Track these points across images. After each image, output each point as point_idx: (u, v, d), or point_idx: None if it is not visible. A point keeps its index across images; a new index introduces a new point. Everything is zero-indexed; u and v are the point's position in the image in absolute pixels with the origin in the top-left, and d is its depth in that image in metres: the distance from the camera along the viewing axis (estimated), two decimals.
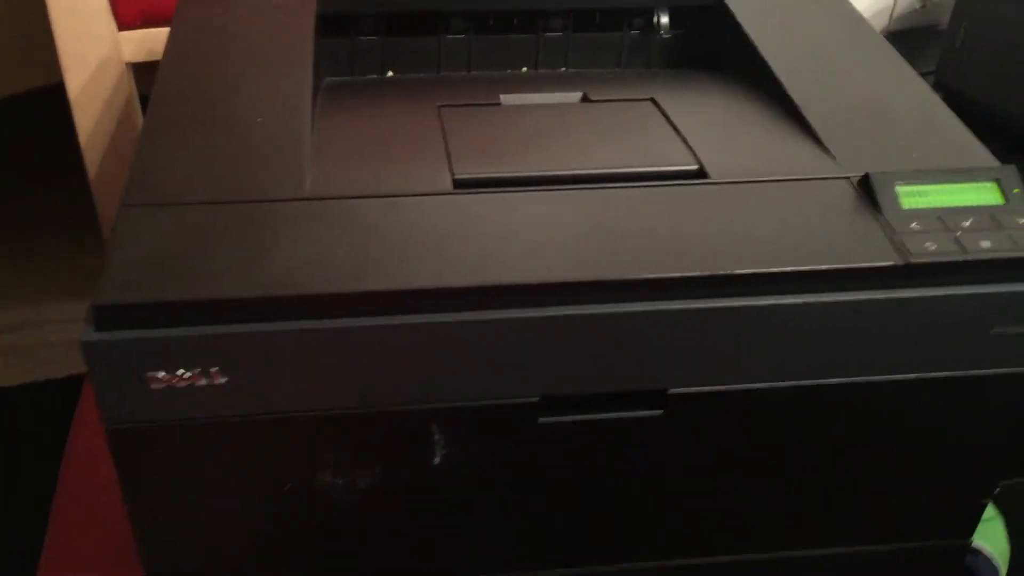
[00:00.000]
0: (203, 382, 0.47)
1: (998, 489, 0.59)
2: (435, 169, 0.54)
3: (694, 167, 0.54)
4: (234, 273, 0.46)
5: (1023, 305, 0.51)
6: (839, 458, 0.55)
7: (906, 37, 1.13)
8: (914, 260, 0.49)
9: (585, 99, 0.64)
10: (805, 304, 0.49)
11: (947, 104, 0.60)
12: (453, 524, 0.55)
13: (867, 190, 0.52)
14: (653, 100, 0.62)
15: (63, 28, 0.81)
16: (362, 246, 0.48)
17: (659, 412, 0.51)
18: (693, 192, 0.53)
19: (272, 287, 0.46)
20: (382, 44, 0.69)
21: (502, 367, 0.49)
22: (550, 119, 0.61)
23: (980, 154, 0.55)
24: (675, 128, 0.58)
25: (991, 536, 0.72)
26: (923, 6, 1.14)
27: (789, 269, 0.48)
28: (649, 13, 0.71)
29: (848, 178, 0.53)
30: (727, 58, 0.67)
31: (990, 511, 0.73)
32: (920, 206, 0.51)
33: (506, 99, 0.63)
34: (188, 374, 0.46)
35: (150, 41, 0.84)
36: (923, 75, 0.63)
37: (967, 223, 0.51)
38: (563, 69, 0.72)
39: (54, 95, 0.91)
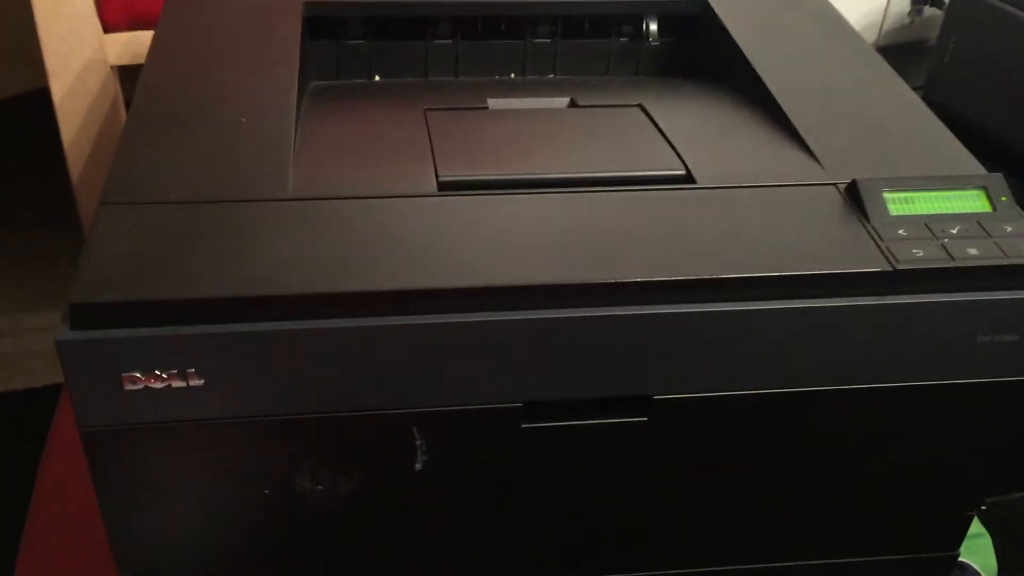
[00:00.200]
0: (180, 383, 0.46)
1: (985, 506, 0.59)
2: (420, 171, 0.53)
3: (681, 172, 0.54)
4: (213, 273, 0.46)
5: (1010, 314, 0.50)
6: (825, 466, 0.55)
7: (895, 52, 1.14)
8: (901, 267, 0.49)
9: (573, 104, 0.63)
10: (791, 309, 0.48)
11: None
12: (435, 531, 0.54)
13: (854, 196, 0.52)
14: (641, 106, 0.61)
15: (48, 29, 0.81)
16: (343, 247, 0.47)
17: (644, 419, 0.51)
18: (679, 197, 0.52)
19: (251, 287, 0.45)
20: (369, 48, 0.69)
21: (484, 371, 0.48)
22: (537, 123, 0.60)
23: (968, 162, 0.55)
24: (663, 133, 0.58)
25: (979, 552, 0.71)
26: (912, 21, 1.15)
27: (775, 274, 0.48)
28: (638, 21, 0.71)
29: (835, 184, 0.53)
30: (716, 66, 0.67)
31: (978, 527, 0.72)
32: (907, 213, 0.51)
33: (493, 103, 0.62)
34: (165, 375, 0.46)
35: (135, 44, 0.84)
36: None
37: (954, 230, 0.51)
38: (551, 76, 0.71)
39: (42, 99, 0.91)
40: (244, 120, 0.55)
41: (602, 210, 0.51)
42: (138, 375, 0.45)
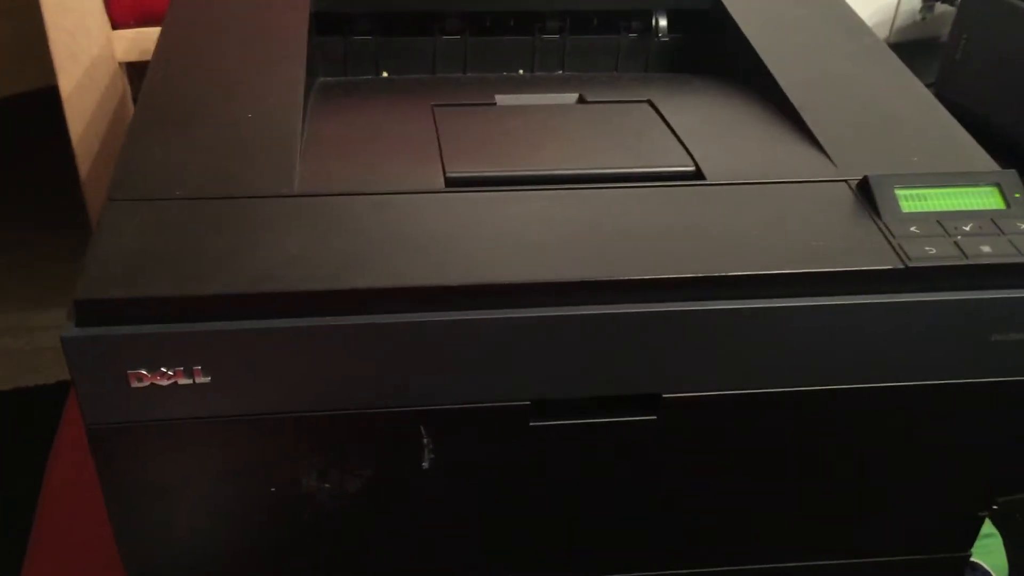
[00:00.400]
0: (186, 381, 0.46)
1: (997, 506, 0.58)
2: (427, 167, 0.53)
3: (691, 168, 0.54)
4: (219, 269, 0.45)
5: None
6: (835, 465, 0.54)
7: (907, 49, 1.13)
8: (913, 264, 0.48)
9: (581, 100, 0.63)
10: (802, 307, 0.48)
11: None
12: (442, 529, 0.54)
13: (866, 193, 0.51)
14: (650, 102, 0.61)
15: (56, 26, 0.81)
16: (350, 243, 0.47)
17: (653, 417, 0.50)
18: (689, 193, 0.52)
19: (257, 284, 0.45)
20: (377, 44, 0.69)
21: (492, 369, 0.48)
22: (545, 119, 0.60)
23: (981, 158, 0.55)
24: (672, 130, 0.57)
25: (990, 552, 0.71)
26: (924, 18, 1.14)
27: (786, 271, 0.48)
28: (647, 16, 0.70)
29: (847, 181, 0.52)
30: (726, 62, 0.67)
31: (989, 527, 0.72)
32: (920, 210, 0.51)
33: (501, 100, 0.62)
34: (171, 372, 0.45)
35: (143, 40, 0.84)
36: None
37: (967, 227, 0.50)
38: (560, 72, 0.71)
39: (48, 98, 0.91)
40: (250, 116, 0.55)
41: (611, 207, 0.50)
42: (144, 372, 0.45)
